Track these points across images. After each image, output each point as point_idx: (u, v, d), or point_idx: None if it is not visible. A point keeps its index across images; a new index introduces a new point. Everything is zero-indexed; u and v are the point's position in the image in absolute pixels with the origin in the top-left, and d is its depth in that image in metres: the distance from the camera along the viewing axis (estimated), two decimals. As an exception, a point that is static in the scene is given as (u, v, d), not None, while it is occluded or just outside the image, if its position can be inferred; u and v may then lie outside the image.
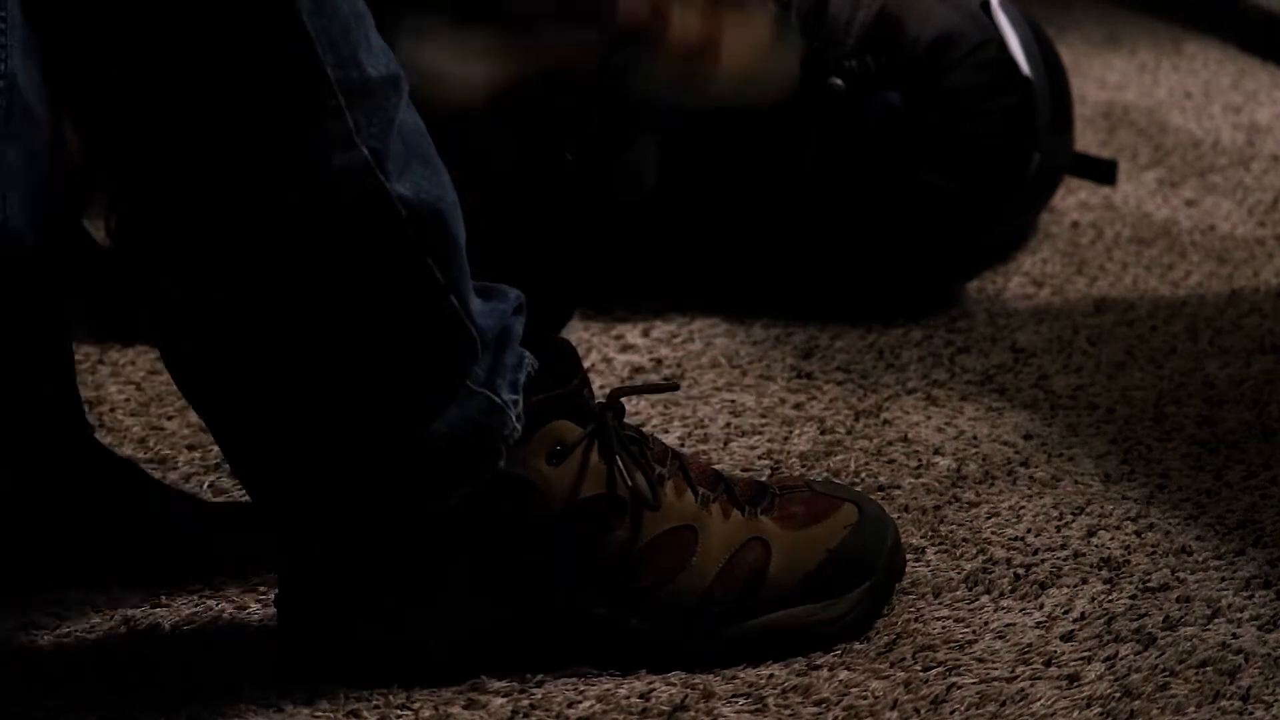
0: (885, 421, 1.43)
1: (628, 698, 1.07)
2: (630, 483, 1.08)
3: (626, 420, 1.14)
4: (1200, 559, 1.25)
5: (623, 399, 1.14)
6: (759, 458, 1.37)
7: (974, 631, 1.15)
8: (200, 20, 0.97)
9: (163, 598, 1.16)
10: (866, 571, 1.14)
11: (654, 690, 1.08)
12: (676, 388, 1.27)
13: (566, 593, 1.08)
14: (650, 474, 1.10)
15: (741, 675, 1.10)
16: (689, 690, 1.08)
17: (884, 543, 1.15)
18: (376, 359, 1.03)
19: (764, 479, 1.20)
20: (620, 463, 1.08)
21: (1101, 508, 1.31)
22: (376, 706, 1.05)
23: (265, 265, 1.01)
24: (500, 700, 1.06)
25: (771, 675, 1.10)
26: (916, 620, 1.16)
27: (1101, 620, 1.17)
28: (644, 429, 1.21)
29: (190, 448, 1.35)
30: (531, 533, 1.07)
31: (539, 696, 1.07)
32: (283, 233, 1.01)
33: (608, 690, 1.07)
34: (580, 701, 1.06)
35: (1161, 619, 1.17)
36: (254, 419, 1.05)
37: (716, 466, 1.21)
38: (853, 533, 1.14)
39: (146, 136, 1.00)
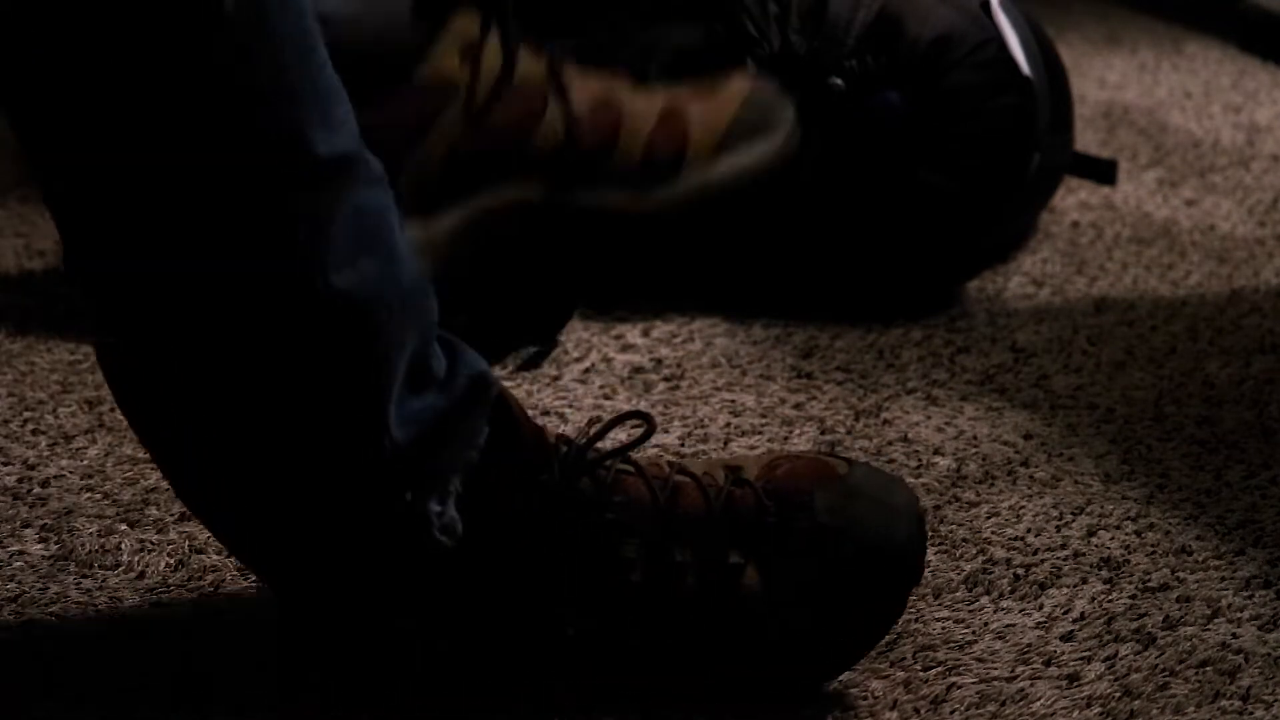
0: (885, 421, 1.43)
1: (629, 699, 1.07)
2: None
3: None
4: (1200, 559, 1.25)
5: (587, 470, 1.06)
6: (759, 458, 1.37)
7: (974, 631, 1.15)
8: (121, 67, 0.90)
9: (163, 597, 1.16)
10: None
11: (650, 695, 1.08)
12: (651, 420, 1.13)
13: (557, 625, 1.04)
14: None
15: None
16: (688, 691, 1.08)
17: (885, 571, 1.07)
18: (293, 449, 0.98)
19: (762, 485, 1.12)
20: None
21: (1101, 508, 1.31)
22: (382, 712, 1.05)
23: (185, 335, 0.96)
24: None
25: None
26: (916, 620, 1.16)
27: (1101, 620, 1.17)
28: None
29: (190, 448, 1.35)
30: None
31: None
32: (205, 310, 0.95)
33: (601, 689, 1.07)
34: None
35: (1161, 619, 1.17)
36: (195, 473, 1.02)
37: None
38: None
39: (75, 180, 0.94)
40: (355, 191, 0.95)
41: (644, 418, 1.07)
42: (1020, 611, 1.18)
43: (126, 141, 0.92)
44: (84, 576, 1.17)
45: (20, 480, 1.30)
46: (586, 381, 1.48)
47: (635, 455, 1.06)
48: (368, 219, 0.96)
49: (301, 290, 0.94)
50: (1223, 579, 1.22)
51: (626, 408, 1.43)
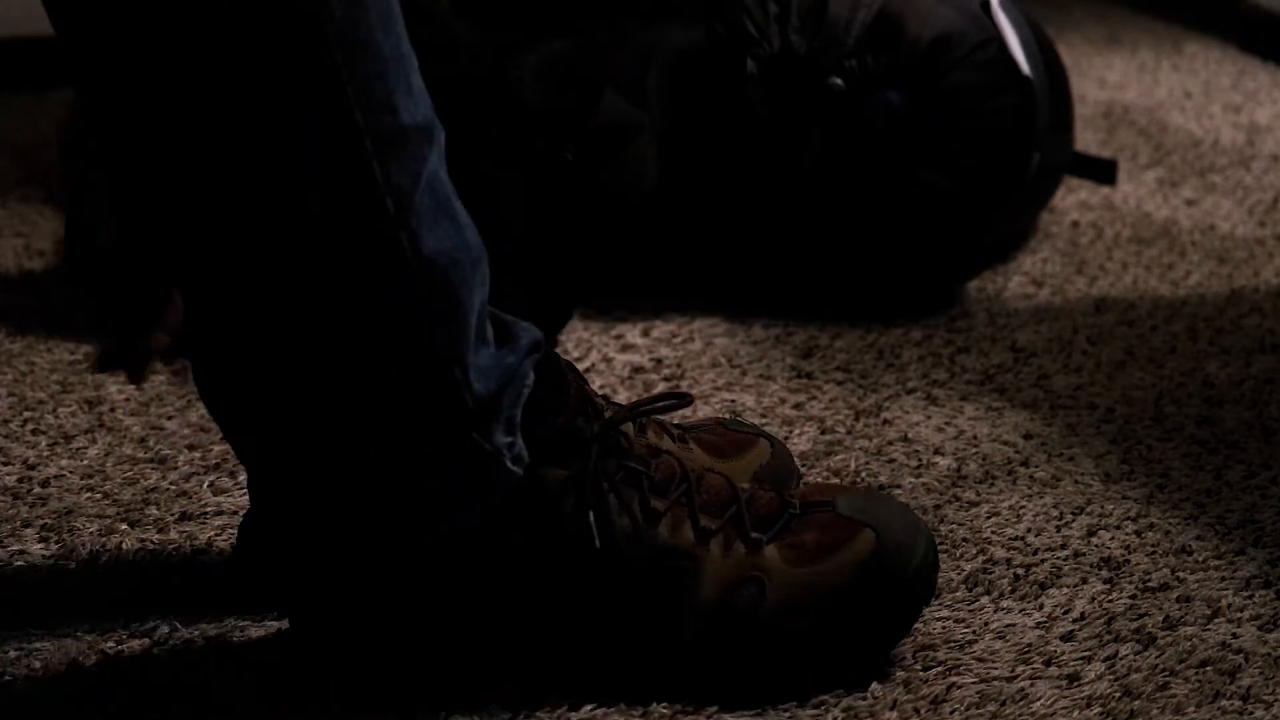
0: (885, 421, 1.43)
1: (628, 702, 1.07)
2: (601, 539, 1.04)
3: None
4: (1200, 559, 1.25)
5: (630, 420, 1.10)
6: (759, 458, 1.37)
7: (974, 631, 1.15)
8: (221, 50, 0.93)
9: (163, 597, 1.16)
10: (878, 609, 1.08)
11: (649, 697, 1.08)
12: (690, 401, 1.19)
13: (539, 633, 1.05)
14: (643, 509, 1.05)
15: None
16: (688, 692, 1.08)
17: (901, 573, 1.08)
18: (368, 406, 1.01)
19: (790, 495, 1.12)
20: (602, 507, 1.04)
21: (1101, 508, 1.31)
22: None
23: (269, 301, 0.99)
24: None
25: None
26: (916, 620, 1.16)
27: (1101, 620, 1.17)
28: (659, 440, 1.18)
29: (190, 448, 1.35)
30: (503, 578, 1.05)
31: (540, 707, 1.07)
32: (294, 273, 0.98)
33: (604, 688, 1.07)
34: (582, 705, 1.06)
35: (1161, 619, 1.17)
36: (260, 436, 1.04)
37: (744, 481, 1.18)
38: (864, 568, 1.07)
39: (162, 158, 0.97)
40: (433, 158, 0.99)
41: (682, 397, 1.12)
42: (1020, 611, 1.18)
43: (234, 124, 0.95)
44: (84, 576, 1.17)
45: (20, 480, 1.30)
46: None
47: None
48: (441, 185, 1.00)
49: (394, 254, 0.98)
50: (1223, 579, 1.22)
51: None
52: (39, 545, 1.21)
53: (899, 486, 1.33)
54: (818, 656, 1.07)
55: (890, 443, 1.40)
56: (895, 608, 1.09)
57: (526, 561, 1.04)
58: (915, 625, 1.15)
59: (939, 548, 1.25)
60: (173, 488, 1.29)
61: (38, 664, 1.09)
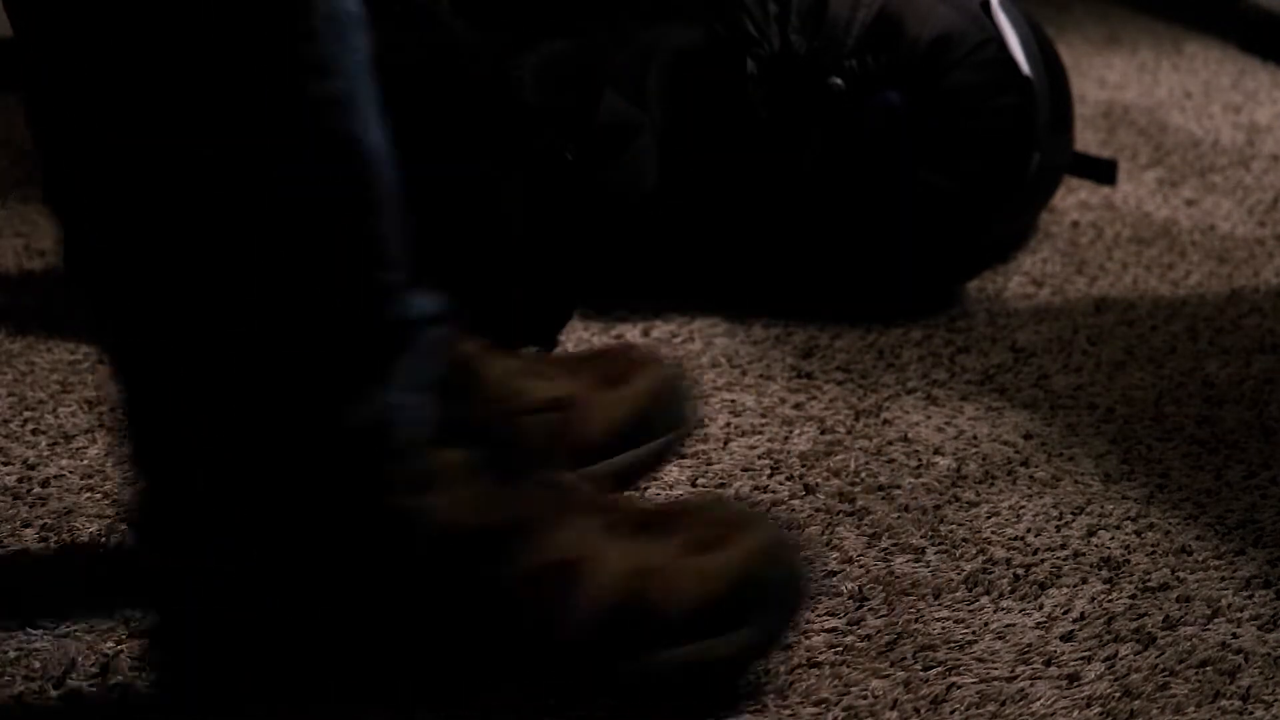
0: (885, 421, 1.43)
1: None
2: (506, 514, 1.02)
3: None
4: (1200, 559, 1.25)
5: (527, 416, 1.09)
6: (759, 457, 1.37)
7: (974, 631, 1.15)
8: None
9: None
10: (765, 603, 1.06)
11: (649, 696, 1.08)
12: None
13: (442, 628, 1.03)
14: (539, 505, 1.04)
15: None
16: (688, 693, 1.08)
17: (786, 572, 1.08)
18: (290, 307, 0.97)
19: (670, 505, 1.13)
20: (506, 494, 1.02)
21: (1101, 507, 1.31)
22: None
23: (201, 181, 0.95)
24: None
25: (768, 669, 1.10)
26: (916, 620, 1.16)
27: (1101, 620, 1.17)
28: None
29: (190, 448, 1.35)
30: (403, 564, 1.02)
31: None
32: (233, 151, 0.94)
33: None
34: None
35: (1161, 619, 1.17)
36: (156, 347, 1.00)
37: (656, 488, 1.18)
38: (751, 561, 1.06)
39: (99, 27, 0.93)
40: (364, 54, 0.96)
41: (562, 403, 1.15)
42: (1020, 611, 1.18)
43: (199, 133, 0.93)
44: (84, 577, 1.17)
45: (20, 480, 1.30)
46: (586, 381, 1.48)
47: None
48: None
49: (344, 142, 0.95)
50: (1223, 579, 1.22)
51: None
52: (39, 545, 1.21)
53: (899, 487, 1.33)
54: (708, 649, 1.05)
55: (890, 443, 1.40)
56: (779, 605, 1.07)
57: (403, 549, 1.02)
58: (915, 625, 1.15)
59: (939, 548, 1.25)
60: (173, 488, 1.29)
61: (37, 664, 1.09)
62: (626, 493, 1.20)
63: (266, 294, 0.97)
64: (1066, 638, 1.15)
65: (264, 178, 0.95)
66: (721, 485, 1.32)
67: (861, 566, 1.22)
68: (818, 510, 1.29)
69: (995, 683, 1.10)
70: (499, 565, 1.02)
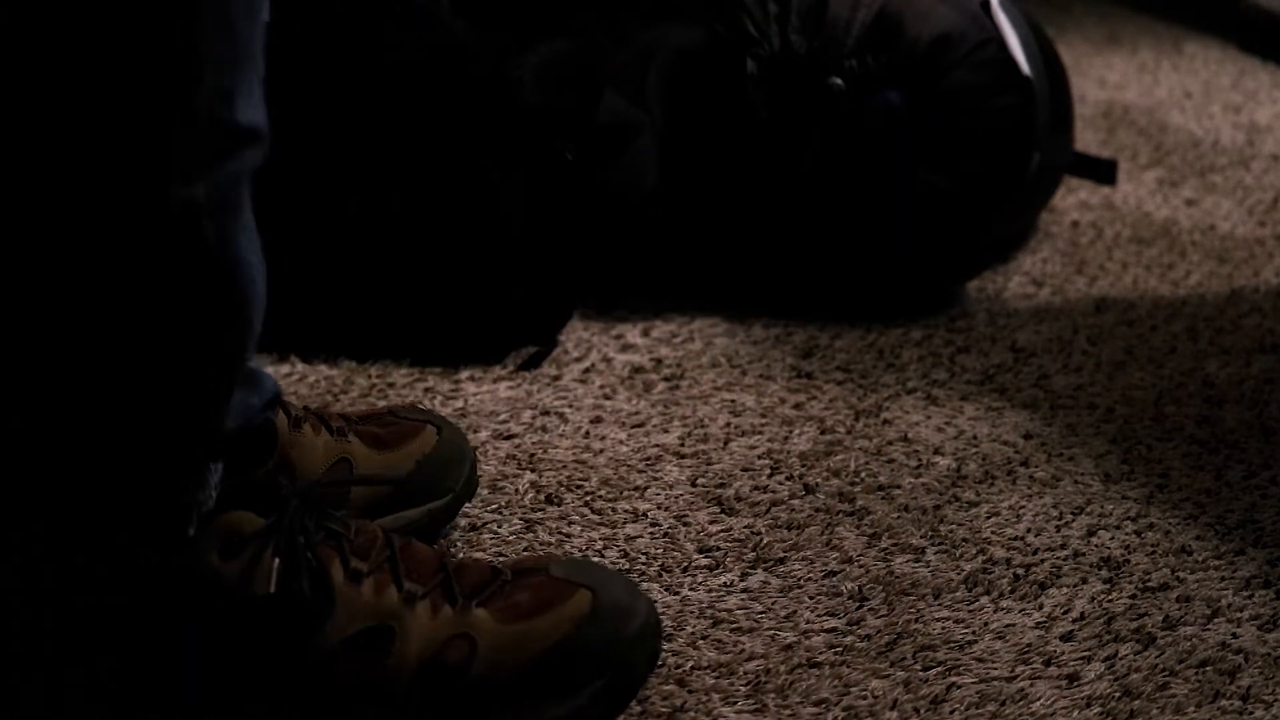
0: (885, 421, 1.43)
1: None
2: (302, 585, 0.99)
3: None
4: (1200, 559, 1.25)
5: (331, 488, 1.07)
6: (759, 457, 1.37)
7: (974, 632, 1.15)
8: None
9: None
10: (598, 667, 1.03)
11: (649, 696, 1.08)
12: (403, 482, 1.17)
13: (250, 695, 1.01)
14: (344, 570, 1.01)
15: (742, 667, 1.10)
16: (688, 694, 1.08)
17: (621, 633, 1.04)
18: (114, 410, 0.95)
19: (500, 564, 1.09)
20: (303, 561, 1.00)
21: (1101, 508, 1.31)
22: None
23: (57, 268, 0.92)
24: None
25: (769, 669, 1.10)
26: (916, 620, 1.16)
27: (1101, 620, 1.17)
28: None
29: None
30: (205, 631, 0.99)
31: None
32: (88, 247, 0.91)
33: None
34: None
35: (1161, 619, 1.17)
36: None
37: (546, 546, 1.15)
38: (579, 625, 1.03)
39: None
40: (249, 171, 0.94)
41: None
42: (1020, 611, 1.18)
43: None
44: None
45: (20, 480, 1.30)
46: (586, 381, 1.48)
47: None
48: (249, 204, 0.95)
49: (198, 240, 0.91)
50: (1223, 579, 1.22)
51: (626, 408, 1.43)
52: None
53: (899, 486, 1.33)
54: (534, 714, 1.02)
55: (890, 443, 1.40)
56: (616, 668, 1.04)
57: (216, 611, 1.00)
58: (915, 625, 1.15)
59: (939, 548, 1.25)
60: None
61: (37, 660, 1.09)
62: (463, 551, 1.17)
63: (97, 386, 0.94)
64: (1066, 638, 1.15)
65: (111, 269, 0.92)
66: (721, 485, 1.32)
67: (861, 566, 1.22)
68: (818, 510, 1.29)
69: (995, 683, 1.10)
70: (305, 634, 1.00)
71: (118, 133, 0.89)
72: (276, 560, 0.99)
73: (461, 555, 1.21)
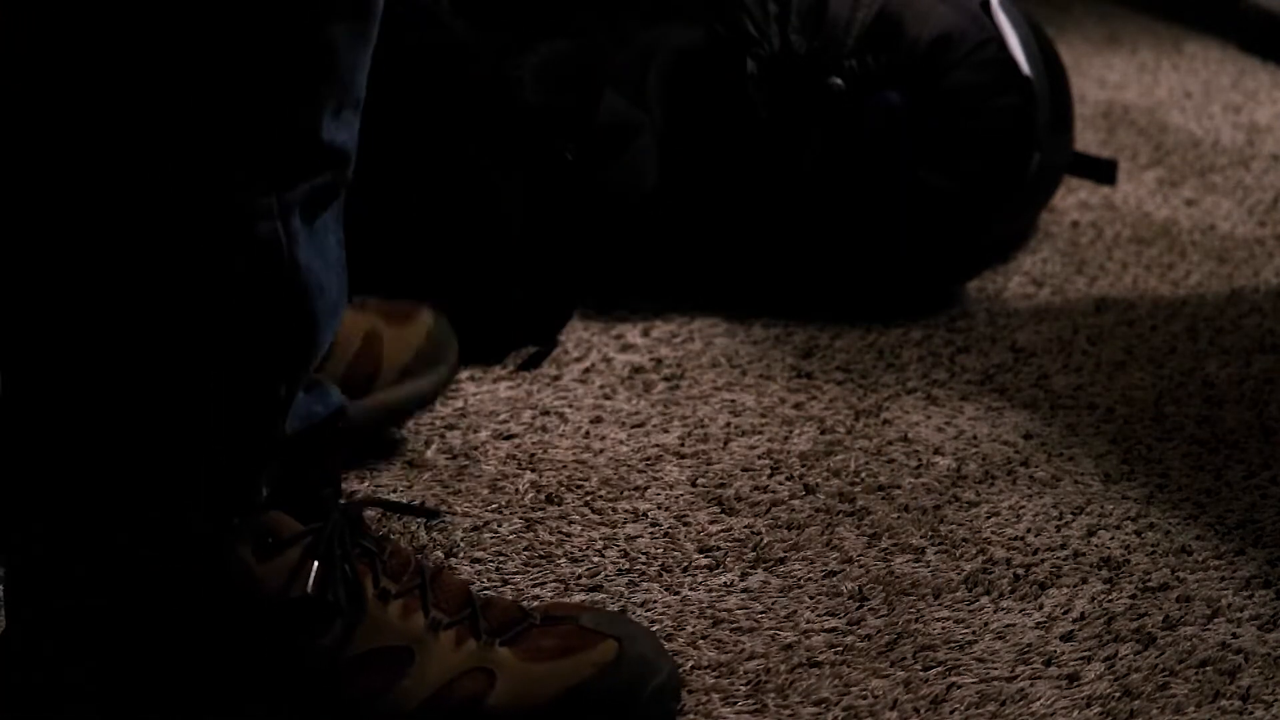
0: (885, 421, 1.43)
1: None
2: (337, 592, 1.00)
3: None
4: (1200, 559, 1.25)
5: (372, 508, 1.07)
6: (759, 457, 1.37)
7: (974, 631, 1.15)
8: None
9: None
10: (613, 716, 1.04)
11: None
12: (437, 514, 1.19)
13: (252, 695, 1.01)
14: (375, 587, 1.01)
15: (742, 666, 1.10)
16: (687, 694, 1.08)
17: (641, 687, 1.04)
18: (186, 392, 0.95)
19: (533, 608, 1.08)
20: (339, 570, 1.00)
21: (1101, 507, 1.31)
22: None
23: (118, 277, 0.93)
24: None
25: (769, 669, 1.10)
26: (916, 620, 1.16)
27: (1101, 620, 1.17)
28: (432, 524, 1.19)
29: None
30: (231, 627, 0.99)
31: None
32: (165, 242, 0.92)
33: None
34: None
35: (1161, 619, 1.17)
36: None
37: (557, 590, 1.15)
38: (602, 672, 1.03)
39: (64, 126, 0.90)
40: (333, 192, 0.96)
41: (431, 513, 1.17)
42: (1020, 611, 1.18)
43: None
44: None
45: (20, 480, 1.30)
46: (586, 381, 1.48)
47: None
48: (331, 225, 0.97)
49: (271, 247, 0.92)
50: (1223, 579, 1.22)
51: (626, 408, 1.43)
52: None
53: (899, 487, 1.33)
54: None
55: (890, 443, 1.40)
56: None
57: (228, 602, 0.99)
58: (915, 625, 1.15)
59: (939, 548, 1.25)
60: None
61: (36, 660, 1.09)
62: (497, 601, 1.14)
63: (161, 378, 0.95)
64: (1066, 638, 1.15)
65: (200, 283, 0.93)
66: (722, 485, 1.32)
67: (861, 566, 1.23)
68: (818, 510, 1.29)
69: (995, 683, 1.10)
70: (328, 641, 1.00)
71: (220, 137, 0.90)
72: (316, 564, 0.99)
73: (461, 557, 1.21)
